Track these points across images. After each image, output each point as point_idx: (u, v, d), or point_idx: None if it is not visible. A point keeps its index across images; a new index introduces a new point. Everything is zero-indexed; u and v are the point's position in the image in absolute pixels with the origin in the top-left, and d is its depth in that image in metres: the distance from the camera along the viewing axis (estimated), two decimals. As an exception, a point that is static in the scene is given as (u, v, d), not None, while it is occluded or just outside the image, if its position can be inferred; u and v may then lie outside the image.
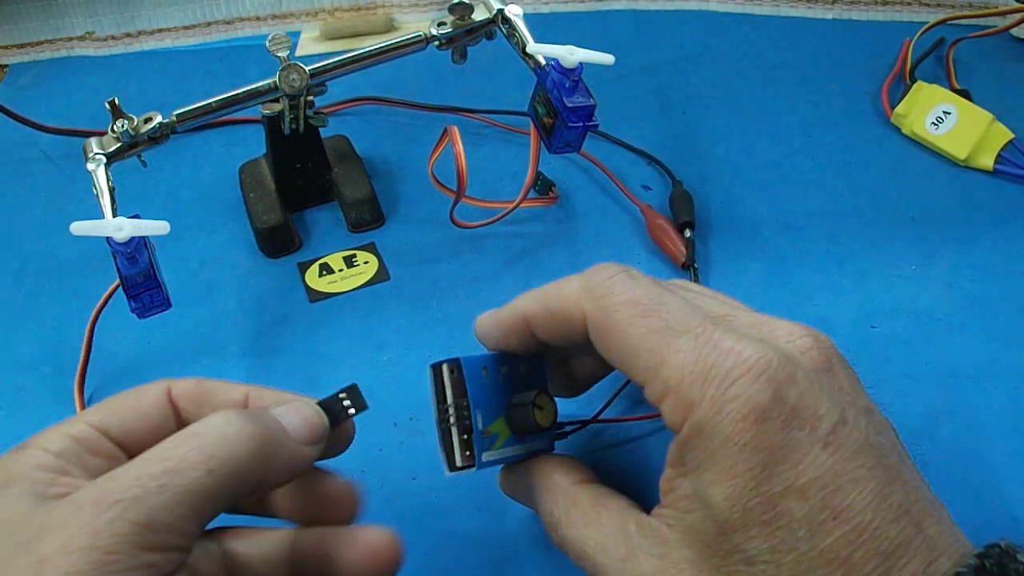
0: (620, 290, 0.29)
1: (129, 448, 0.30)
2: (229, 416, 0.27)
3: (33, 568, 0.24)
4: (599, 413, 0.39)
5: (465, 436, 0.32)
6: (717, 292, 0.33)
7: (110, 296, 0.44)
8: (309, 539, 0.31)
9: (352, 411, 0.31)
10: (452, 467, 0.32)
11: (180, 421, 0.31)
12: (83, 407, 0.44)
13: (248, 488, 0.27)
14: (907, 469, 0.27)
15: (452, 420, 0.32)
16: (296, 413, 0.30)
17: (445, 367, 0.33)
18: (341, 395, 0.31)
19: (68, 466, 0.28)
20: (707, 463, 0.26)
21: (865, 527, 0.25)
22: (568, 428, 0.38)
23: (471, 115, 0.59)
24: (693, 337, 0.27)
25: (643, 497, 0.31)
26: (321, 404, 0.31)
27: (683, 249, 0.47)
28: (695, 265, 0.47)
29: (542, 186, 0.52)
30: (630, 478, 0.39)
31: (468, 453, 0.32)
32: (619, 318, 0.29)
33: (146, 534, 0.24)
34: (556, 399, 0.34)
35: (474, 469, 0.32)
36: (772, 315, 0.30)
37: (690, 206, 0.50)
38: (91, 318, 0.45)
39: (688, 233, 0.48)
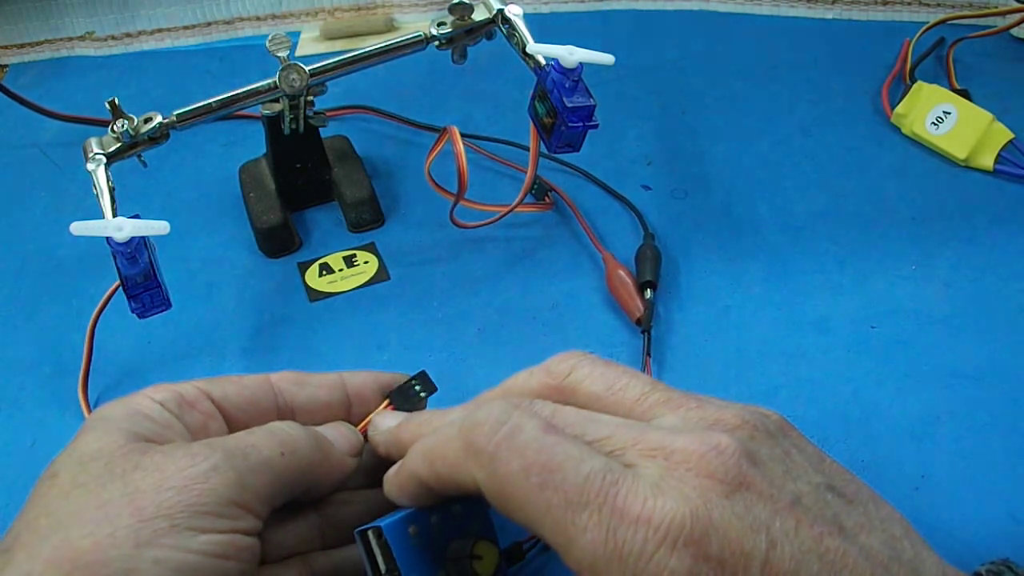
0: (506, 456, 0.26)
1: (227, 412, 0.33)
2: (291, 423, 0.32)
3: (128, 497, 0.26)
4: None
5: None
6: (634, 374, 0.30)
7: (110, 296, 0.44)
8: None
9: (423, 394, 0.36)
10: None
11: (280, 398, 0.34)
12: (88, 408, 0.44)
13: (308, 479, 0.31)
14: (850, 543, 0.25)
15: None
16: (337, 430, 0.34)
17: (371, 534, 0.30)
18: (412, 381, 0.36)
19: (166, 415, 0.31)
20: None
21: None
22: (526, 546, 0.35)
23: (466, 143, 0.57)
24: (596, 509, 0.25)
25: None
26: (394, 391, 0.36)
27: (640, 306, 0.45)
28: (650, 330, 0.44)
29: (538, 191, 0.52)
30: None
31: None
32: (513, 491, 0.26)
33: (234, 488, 0.28)
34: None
35: None
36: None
37: (656, 265, 0.47)
38: (92, 319, 0.45)
39: (649, 294, 0.46)
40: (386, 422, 0.34)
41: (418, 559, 0.30)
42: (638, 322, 0.45)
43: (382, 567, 0.30)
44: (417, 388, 0.36)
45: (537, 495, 0.26)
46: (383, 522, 0.30)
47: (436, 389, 0.36)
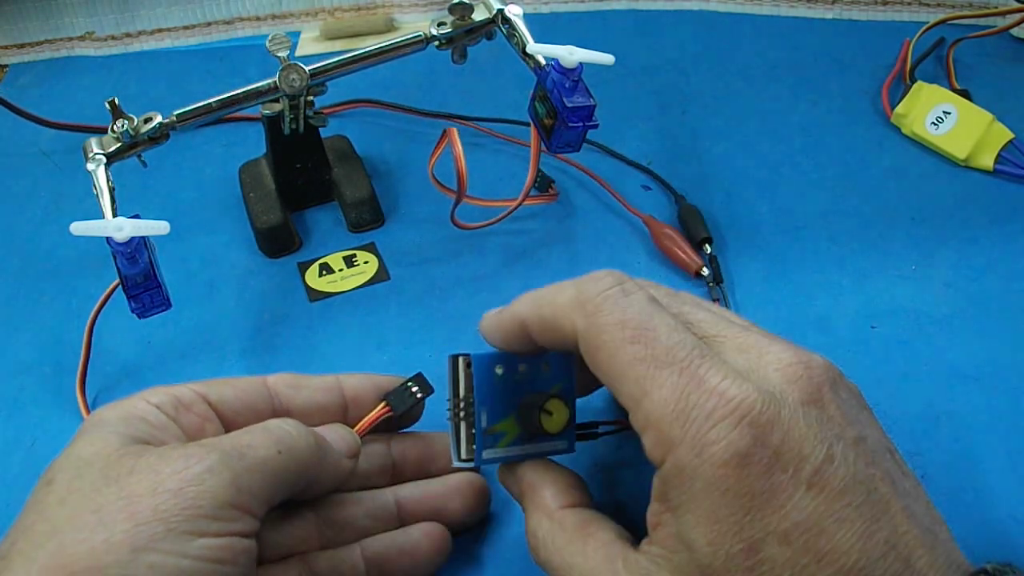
0: (610, 308, 0.28)
1: (223, 415, 0.33)
2: (288, 420, 0.32)
3: (124, 500, 0.26)
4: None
5: (473, 431, 0.32)
6: (712, 305, 0.33)
7: (109, 296, 0.44)
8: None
9: (420, 395, 0.36)
10: (457, 459, 0.33)
11: (276, 401, 0.34)
12: (86, 408, 0.44)
13: (305, 479, 0.31)
14: (899, 498, 0.26)
15: (461, 415, 0.33)
16: (335, 432, 0.34)
17: (461, 360, 0.33)
18: (409, 383, 0.36)
19: (162, 417, 0.31)
20: (689, 504, 0.26)
21: (850, 569, 0.25)
22: (602, 429, 0.36)
23: (469, 123, 0.58)
24: (678, 371, 0.27)
25: (641, 523, 0.30)
26: (391, 393, 0.36)
27: (695, 259, 0.46)
28: (722, 283, 0.46)
29: (541, 183, 0.52)
30: (641, 497, 0.38)
31: (472, 448, 0.33)
32: (607, 340, 0.28)
33: (229, 490, 0.27)
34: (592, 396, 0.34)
35: (473, 464, 0.33)
36: (769, 319, 0.30)
37: (702, 220, 0.49)
38: (90, 318, 0.45)
39: (708, 249, 0.47)
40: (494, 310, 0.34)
41: (495, 395, 0.32)
42: (697, 274, 0.46)
43: (462, 391, 0.33)
44: (414, 390, 0.36)
45: (627, 347, 0.27)
46: (475, 352, 0.32)
47: (433, 391, 0.36)
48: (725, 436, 0.25)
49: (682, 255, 0.47)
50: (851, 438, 0.27)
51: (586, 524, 0.30)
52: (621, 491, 0.38)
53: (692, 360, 0.27)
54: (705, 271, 0.46)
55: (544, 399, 0.32)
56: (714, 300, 0.45)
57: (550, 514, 0.31)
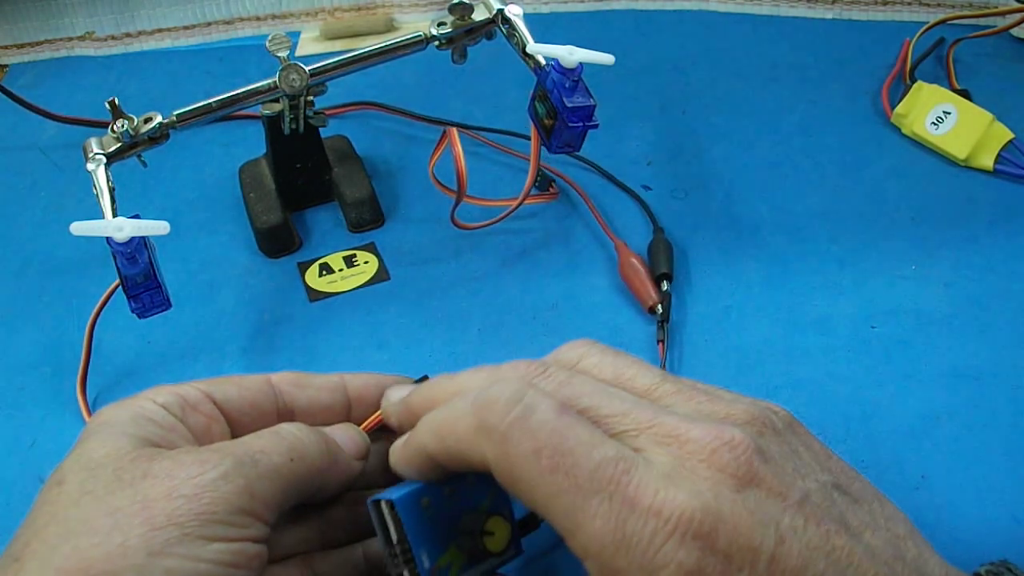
0: (518, 437, 0.26)
1: (229, 414, 0.32)
2: (300, 425, 0.31)
3: (139, 505, 0.26)
4: None
5: (419, 574, 0.30)
6: (643, 365, 0.30)
7: (109, 296, 0.44)
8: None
9: None
10: None
11: (280, 400, 0.34)
12: (87, 408, 0.44)
13: (316, 484, 0.31)
14: (856, 543, 0.26)
15: (402, 562, 0.30)
16: (344, 432, 0.33)
17: (384, 505, 0.30)
18: (416, 382, 0.34)
19: (170, 418, 0.30)
20: None
21: None
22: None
23: (469, 132, 0.58)
24: (607, 497, 0.25)
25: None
26: None
27: (652, 294, 0.45)
28: (668, 320, 0.44)
29: (541, 183, 0.52)
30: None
31: None
32: (522, 474, 0.26)
33: (243, 496, 0.27)
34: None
35: None
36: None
37: (669, 257, 0.47)
38: (91, 318, 0.45)
39: (665, 286, 0.46)
40: (398, 393, 0.34)
41: (429, 532, 0.30)
42: (651, 310, 0.45)
43: (394, 538, 0.30)
44: None
45: (548, 478, 0.25)
46: (395, 494, 0.30)
47: None
48: (672, 557, 0.24)
49: (641, 288, 0.46)
50: (795, 502, 0.26)
51: None
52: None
53: (619, 481, 0.25)
54: (659, 309, 0.45)
55: (481, 521, 0.31)
56: (659, 341, 0.43)
57: None
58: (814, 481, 0.27)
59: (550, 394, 0.27)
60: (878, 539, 0.26)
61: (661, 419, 0.27)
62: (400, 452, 0.31)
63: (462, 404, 0.28)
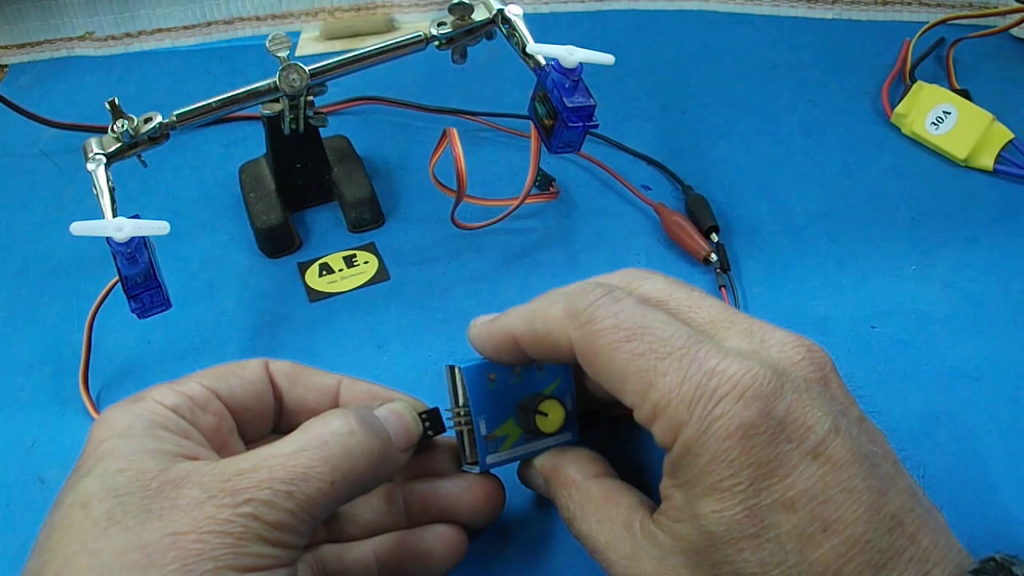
0: (603, 315, 0.29)
1: (234, 410, 0.32)
2: (351, 423, 0.29)
3: (170, 538, 0.26)
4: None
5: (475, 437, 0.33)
6: (709, 296, 0.32)
7: (108, 292, 0.44)
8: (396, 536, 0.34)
9: (431, 434, 0.33)
10: (464, 463, 0.35)
11: (277, 395, 0.34)
12: (93, 406, 0.44)
13: (358, 494, 0.30)
14: (901, 478, 0.27)
15: (463, 422, 0.33)
16: (398, 420, 0.32)
17: (457, 371, 0.33)
18: (424, 417, 0.33)
19: (183, 424, 0.30)
20: (697, 479, 0.26)
21: (856, 540, 0.25)
22: (604, 417, 0.37)
23: (470, 117, 0.59)
24: (678, 359, 0.27)
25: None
26: None
27: (704, 245, 0.47)
28: (728, 270, 0.47)
29: (542, 182, 0.52)
30: (656, 470, 0.38)
31: (476, 452, 0.34)
32: (604, 344, 0.28)
33: (273, 532, 0.27)
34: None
35: (479, 468, 0.34)
36: (769, 320, 0.30)
37: (709, 210, 0.50)
38: (90, 314, 0.45)
39: (715, 237, 0.48)
40: (484, 318, 0.34)
41: (491, 403, 0.33)
42: (705, 260, 0.47)
43: (460, 400, 0.34)
44: (427, 426, 0.34)
45: (625, 346, 0.28)
46: (465, 364, 0.33)
47: (445, 430, 0.35)
48: (730, 410, 0.26)
49: (691, 242, 0.48)
50: (855, 416, 0.28)
51: (610, 492, 0.31)
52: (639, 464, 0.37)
53: (691, 347, 0.27)
54: (713, 258, 0.47)
55: (538, 401, 0.33)
56: (720, 287, 0.45)
57: (577, 486, 0.32)
58: (871, 421, 0.29)
59: (632, 292, 0.30)
60: (919, 490, 0.28)
61: (751, 320, 0.30)
62: (482, 328, 0.33)
63: (553, 296, 0.31)
